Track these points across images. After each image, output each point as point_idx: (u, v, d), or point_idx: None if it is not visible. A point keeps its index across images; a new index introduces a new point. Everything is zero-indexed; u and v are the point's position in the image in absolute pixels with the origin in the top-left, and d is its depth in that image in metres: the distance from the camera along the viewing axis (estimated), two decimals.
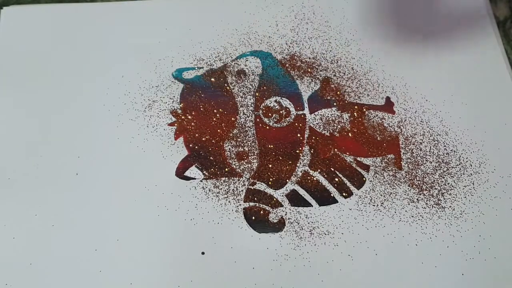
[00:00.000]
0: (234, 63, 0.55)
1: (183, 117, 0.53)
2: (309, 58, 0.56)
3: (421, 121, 0.53)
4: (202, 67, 0.55)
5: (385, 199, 0.49)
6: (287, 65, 0.56)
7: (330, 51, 0.57)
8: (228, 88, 0.54)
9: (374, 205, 0.49)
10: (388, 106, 0.54)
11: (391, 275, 0.47)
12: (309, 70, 0.55)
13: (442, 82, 0.55)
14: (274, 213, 0.49)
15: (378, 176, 0.50)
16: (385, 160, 0.51)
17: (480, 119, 0.54)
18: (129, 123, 0.53)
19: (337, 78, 0.55)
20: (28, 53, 0.56)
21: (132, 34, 0.57)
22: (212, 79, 0.54)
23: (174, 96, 0.54)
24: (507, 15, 0.61)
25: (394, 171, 0.51)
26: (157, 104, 0.53)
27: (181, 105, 0.53)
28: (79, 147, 0.51)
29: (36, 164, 0.50)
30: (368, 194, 0.50)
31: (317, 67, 0.56)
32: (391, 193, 0.50)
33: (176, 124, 0.52)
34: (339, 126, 0.53)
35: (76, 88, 0.54)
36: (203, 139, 0.52)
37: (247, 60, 0.56)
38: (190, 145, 0.51)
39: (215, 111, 0.53)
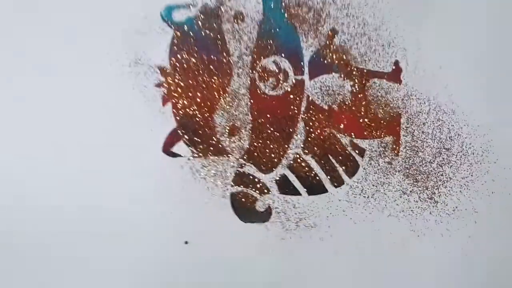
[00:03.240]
0: (231, 2, 0.45)
1: (172, 77, 0.45)
2: (318, 2, 0.46)
3: (428, 97, 0.47)
4: (196, 5, 0.45)
5: (376, 190, 0.47)
6: (291, 10, 0.46)
7: None
8: (222, 38, 0.45)
9: (364, 196, 0.47)
10: (395, 74, 0.47)
11: (376, 272, 0.47)
12: (314, 21, 0.46)
13: (461, 49, 0.48)
14: (262, 201, 0.46)
15: (372, 163, 0.47)
16: (383, 143, 0.47)
17: (493, 99, 0.48)
18: (112, 82, 0.45)
19: (344, 33, 0.46)
20: None
21: None
22: (205, 24, 0.45)
23: (163, 46, 0.45)
24: None
25: (390, 157, 0.47)
26: (143, 57, 0.45)
27: (170, 60, 0.45)
28: (53, 111, 0.44)
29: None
30: (360, 183, 0.47)
31: (324, 17, 0.46)
32: (384, 183, 0.47)
33: (164, 86, 0.45)
34: (339, 97, 0.46)
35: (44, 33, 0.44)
36: (192, 108, 0.45)
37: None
38: (178, 114, 0.45)
39: (206, 71, 0.45)
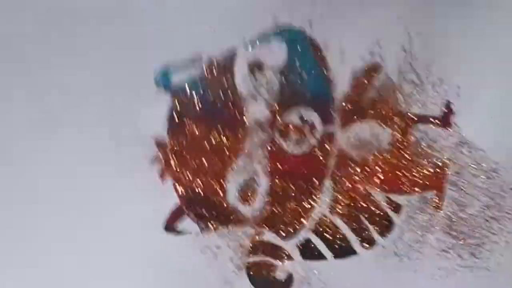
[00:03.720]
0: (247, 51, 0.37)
1: (171, 152, 0.38)
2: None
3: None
4: (200, 60, 0.37)
5: (411, 249, 0.41)
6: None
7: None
8: (236, 95, 0.37)
9: (398, 256, 0.41)
10: (445, 118, 0.39)
11: None
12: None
13: None
14: (282, 269, 0.41)
15: (410, 221, 0.41)
16: (424, 198, 0.40)
17: None
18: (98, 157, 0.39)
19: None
20: None
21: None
22: (213, 82, 0.37)
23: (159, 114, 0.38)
24: None
25: (431, 214, 0.41)
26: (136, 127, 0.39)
27: (168, 132, 0.38)
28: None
29: None
30: (394, 243, 0.41)
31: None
32: (420, 241, 0.41)
33: (161, 160, 0.39)
34: (375, 147, 0.39)
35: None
36: (199, 179, 0.39)
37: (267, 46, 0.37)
38: (181, 190, 0.39)
39: (215, 134, 0.38)
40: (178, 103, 0.38)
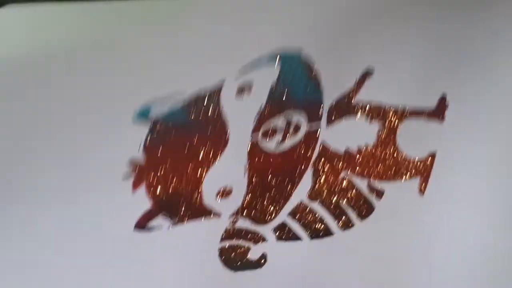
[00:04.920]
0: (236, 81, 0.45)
1: (146, 171, 0.44)
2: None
3: None
4: (184, 93, 0.45)
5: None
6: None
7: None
8: (220, 115, 0.44)
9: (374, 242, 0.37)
10: (438, 111, 0.40)
11: None
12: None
13: None
14: (255, 250, 0.39)
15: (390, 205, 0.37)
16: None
17: None
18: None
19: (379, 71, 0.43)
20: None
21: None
22: (197, 108, 0.44)
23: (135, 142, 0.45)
24: None
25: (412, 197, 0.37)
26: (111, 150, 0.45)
27: (144, 156, 0.44)
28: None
29: None
30: (373, 224, 0.37)
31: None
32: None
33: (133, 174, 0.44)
34: (361, 142, 0.41)
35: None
36: (174, 186, 0.42)
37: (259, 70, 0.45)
38: (155, 196, 0.43)
39: (194, 145, 0.43)
40: (156, 131, 0.44)
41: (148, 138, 0.45)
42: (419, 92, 0.41)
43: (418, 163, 0.39)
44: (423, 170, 0.38)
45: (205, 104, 0.45)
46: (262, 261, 0.39)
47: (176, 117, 0.45)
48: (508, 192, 0.35)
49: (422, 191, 0.37)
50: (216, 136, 0.44)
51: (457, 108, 0.40)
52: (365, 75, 0.43)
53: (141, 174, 0.43)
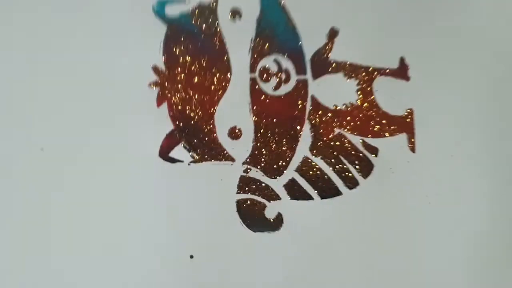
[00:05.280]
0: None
1: (166, 74, 0.43)
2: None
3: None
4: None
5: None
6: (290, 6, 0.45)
7: None
8: (219, 36, 0.44)
9: (381, 199, 0.43)
10: (402, 71, 0.45)
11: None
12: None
13: None
14: (271, 208, 0.43)
15: (388, 161, 0.44)
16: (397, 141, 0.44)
17: None
18: (99, 81, 0.43)
19: (348, 31, 0.45)
20: None
21: None
22: (200, 21, 0.44)
23: (155, 44, 0.43)
24: None
25: (407, 155, 0.44)
26: (135, 55, 0.43)
27: (163, 58, 0.43)
28: (45, 120, 0.43)
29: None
30: (377, 183, 0.43)
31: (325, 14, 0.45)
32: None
33: (158, 85, 0.43)
34: (345, 97, 0.44)
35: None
36: (190, 108, 0.43)
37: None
38: (175, 115, 0.43)
39: (203, 70, 0.44)
40: (172, 33, 0.43)
41: (167, 36, 0.44)
42: (385, 53, 0.45)
43: (400, 119, 0.44)
44: (407, 126, 0.44)
45: (206, 17, 0.44)
46: (279, 222, 0.43)
47: (186, 24, 0.44)
48: (492, 139, 0.44)
49: (412, 148, 0.44)
50: (219, 64, 0.44)
51: (421, 66, 0.45)
52: (333, 34, 0.45)
53: (164, 87, 0.43)
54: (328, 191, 0.43)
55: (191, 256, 0.42)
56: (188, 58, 0.43)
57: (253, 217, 0.43)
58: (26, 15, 0.43)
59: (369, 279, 0.42)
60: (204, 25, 0.44)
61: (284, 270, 0.42)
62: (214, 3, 0.44)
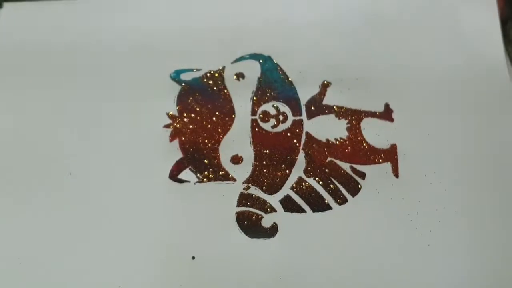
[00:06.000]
0: (232, 66, 0.54)
1: (179, 119, 0.52)
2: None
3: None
4: (201, 69, 0.54)
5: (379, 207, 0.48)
6: (285, 68, 0.55)
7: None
8: (226, 91, 0.53)
9: (368, 214, 0.48)
10: (386, 114, 0.53)
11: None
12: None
13: None
14: (267, 218, 0.48)
15: (374, 184, 0.49)
16: (383, 168, 0.50)
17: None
18: (123, 124, 0.52)
19: (339, 82, 0.54)
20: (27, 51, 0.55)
21: (131, 30, 0.56)
22: (210, 82, 0.53)
23: (171, 98, 0.53)
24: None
25: (391, 180, 0.49)
26: (154, 105, 0.52)
27: (178, 107, 0.52)
28: (70, 146, 0.50)
29: (27, 164, 0.50)
30: (364, 201, 0.48)
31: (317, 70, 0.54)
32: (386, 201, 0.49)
33: (172, 126, 0.51)
34: (336, 133, 0.52)
35: (71, 88, 0.53)
36: (199, 141, 0.51)
37: (245, 64, 0.55)
38: (185, 147, 0.50)
39: (211, 114, 0.52)
40: (185, 89, 0.53)
41: (181, 92, 0.53)
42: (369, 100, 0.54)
43: (385, 151, 0.51)
44: (391, 157, 0.50)
45: (214, 80, 0.54)
46: (274, 230, 0.47)
47: (197, 85, 0.53)
48: (467, 169, 0.50)
49: (396, 174, 0.50)
50: (225, 110, 0.52)
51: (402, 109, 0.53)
52: (325, 85, 0.54)
53: (176, 128, 0.51)
54: (319, 206, 0.48)
55: (193, 257, 0.45)
56: (197, 106, 0.53)
57: (251, 225, 0.47)
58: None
59: (350, 282, 0.46)
60: (212, 84, 0.54)
61: (278, 271, 0.45)
62: (222, 70, 0.54)
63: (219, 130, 0.51)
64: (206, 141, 0.51)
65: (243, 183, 0.49)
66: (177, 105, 0.52)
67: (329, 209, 0.48)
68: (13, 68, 0.54)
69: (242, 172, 0.50)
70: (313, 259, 0.46)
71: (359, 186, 0.49)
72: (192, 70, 0.54)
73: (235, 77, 0.54)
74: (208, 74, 0.54)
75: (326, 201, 0.48)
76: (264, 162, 0.50)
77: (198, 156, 0.50)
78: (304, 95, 0.54)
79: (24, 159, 0.50)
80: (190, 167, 0.50)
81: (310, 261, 0.46)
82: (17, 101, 0.52)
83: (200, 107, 0.52)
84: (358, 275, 0.45)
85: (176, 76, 0.54)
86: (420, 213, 0.48)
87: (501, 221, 0.47)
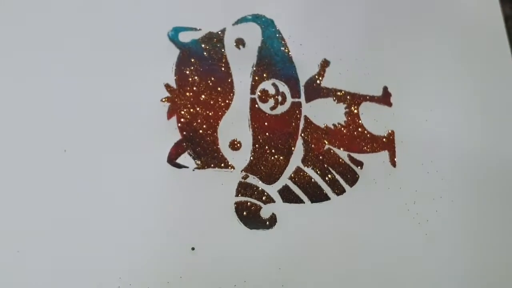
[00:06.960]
0: (233, 29, 0.51)
1: (177, 92, 0.48)
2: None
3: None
4: (201, 29, 0.51)
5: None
6: (287, 39, 0.52)
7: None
8: (224, 61, 0.50)
9: (366, 204, 0.48)
10: (385, 98, 0.52)
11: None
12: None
13: None
14: (266, 209, 0.48)
15: (371, 173, 0.49)
16: (380, 157, 0.50)
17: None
18: (116, 96, 0.47)
19: (338, 61, 0.52)
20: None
21: None
22: (209, 47, 0.50)
23: (169, 66, 0.49)
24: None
25: (388, 169, 0.50)
26: (149, 74, 0.48)
27: (176, 77, 0.49)
28: (61, 121, 0.46)
29: (21, 146, 0.45)
30: (362, 191, 0.49)
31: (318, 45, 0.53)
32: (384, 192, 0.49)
33: (170, 100, 0.48)
34: (334, 118, 0.51)
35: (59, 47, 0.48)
36: (197, 121, 0.48)
37: (246, 27, 0.52)
38: (183, 127, 0.48)
39: (210, 89, 0.49)
40: (184, 56, 0.49)
41: (180, 58, 0.50)
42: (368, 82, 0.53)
43: (383, 138, 0.51)
44: (388, 145, 0.50)
45: (214, 44, 0.51)
46: (273, 221, 0.47)
47: (196, 49, 0.50)
48: (463, 158, 0.51)
49: (393, 164, 0.50)
50: (224, 85, 0.50)
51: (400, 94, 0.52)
52: (324, 65, 0.52)
53: (175, 102, 0.48)
54: (318, 196, 0.48)
55: (193, 248, 0.46)
56: (196, 78, 0.49)
57: (250, 216, 0.47)
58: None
59: (349, 271, 0.46)
60: (212, 51, 0.50)
61: (277, 262, 0.46)
62: (222, 33, 0.51)
63: (217, 109, 0.49)
64: (205, 121, 0.49)
65: (241, 171, 0.48)
66: (175, 75, 0.49)
67: (327, 200, 0.48)
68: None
69: (241, 159, 0.48)
70: (312, 250, 0.46)
71: (357, 176, 0.49)
72: (191, 29, 0.51)
73: (235, 43, 0.51)
74: (207, 38, 0.51)
75: (324, 192, 0.48)
76: (262, 149, 0.49)
77: (196, 139, 0.48)
78: (303, 75, 0.52)
79: (17, 136, 0.45)
80: (188, 151, 0.48)
81: (309, 252, 0.46)
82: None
83: (199, 80, 0.49)
84: (356, 265, 0.46)
85: (174, 36, 0.50)
86: (417, 203, 0.48)
87: (498, 209, 0.48)
